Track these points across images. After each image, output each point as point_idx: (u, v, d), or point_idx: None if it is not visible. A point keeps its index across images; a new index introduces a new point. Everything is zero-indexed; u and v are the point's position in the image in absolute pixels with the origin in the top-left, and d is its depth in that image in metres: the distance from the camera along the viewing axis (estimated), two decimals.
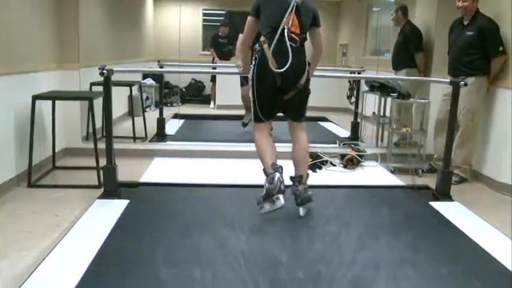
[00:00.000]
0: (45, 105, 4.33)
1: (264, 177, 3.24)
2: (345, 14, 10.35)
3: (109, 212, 3.38)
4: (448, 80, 4.04)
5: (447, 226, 3.39)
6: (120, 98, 6.13)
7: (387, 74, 6.30)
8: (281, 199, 3.08)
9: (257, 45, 3.30)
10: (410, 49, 5.37)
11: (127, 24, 7.84)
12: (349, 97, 7.22)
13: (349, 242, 3.05)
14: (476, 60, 4.38)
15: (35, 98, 3.96)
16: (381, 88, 5.21)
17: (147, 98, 8.34)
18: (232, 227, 3.19)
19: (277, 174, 3.11)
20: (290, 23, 3.19)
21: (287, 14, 3.17)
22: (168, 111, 7.22)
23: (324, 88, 8.45)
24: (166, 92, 9.03)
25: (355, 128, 6.30)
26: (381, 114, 5.55)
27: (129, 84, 5.56)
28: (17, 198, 3.70)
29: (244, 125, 6.37)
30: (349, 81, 7.37)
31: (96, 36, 5.99)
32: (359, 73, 6.13)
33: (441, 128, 4.63)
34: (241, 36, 3.55)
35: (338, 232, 3.20)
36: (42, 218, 3.29)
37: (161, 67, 6.04)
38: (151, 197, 3.85)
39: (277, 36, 3.16)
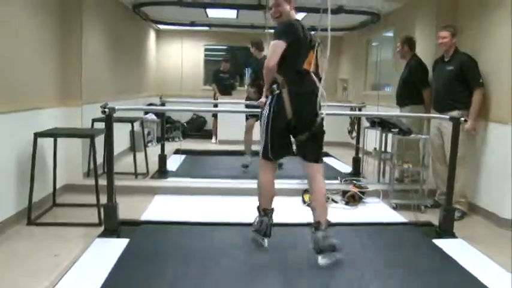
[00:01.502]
0: (47, 142, 4.34)
1: (256, 217, 3.54)
2: (345, 49, 10.47)
3: (109, 251, 3.34)
4: (448, 117, 4.07)
5: (451, 264, 3.35)
6: (121, 134, 6.14)
7: (388, 109, 6.34)
8: (265, 243, 3.47)
9: (275, 86, 3.26)
10: (416, 85, 5.29)
11: (129, 60, 7.93)
12: (350, 132, 7.23)
13: (352, 281, 3.01)
14: (458, 94, 4.56)
15: (37, 135, 3.98)
16: (382, 124, 5.22)
17: (149, 133, 8.38)
18: (234, 267, 3.15)
19: (266, 219, 3.44)
20: (312, 64, 3.26)
21: (311, 55, 3.27)
22: (169, 147, 7.23)
23: (325, 122, 8.57)
24: (168, 127, 9.06)
25: (356, 163, 6.28)
26: (383, 149, 5.55)
27: (131, 121, 5.57)
28: (15, 237, 3.67)
29: (245, 167, 6.32)
30: (350, 116, 7.39)
31: (99, 72, 6.05)
32: (360, 109, 6.15)
33: (435, 161, 4.83)
34: (266, 64, 3.21)
35: (341, 271, 3.15)
36: (41, 258, 3.25)
37: (163, 103, 6.08)
38: (152, 236, 3.80)
39: (300, 82, 3.24)
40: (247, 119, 6.37)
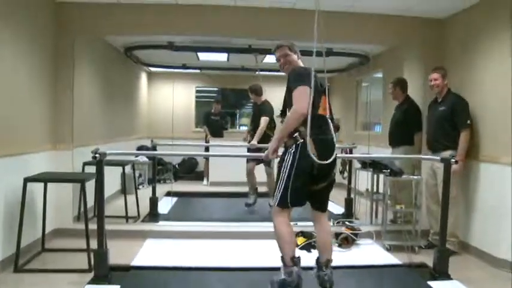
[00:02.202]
0: (37, 186, 4.29)
1: (281, 263, 3.24)
2: (335, 90, 10.61)
3: None
4: (439, 158, 4.10)
5: None
6: (112, 176, 6.10)
7: (378, 150, 6.38)
8: None
9: (297, 134, 3.19)
10: (409, 126, 5.33)
11: (121, 102, 7.98)
12: (342, 172, 7.24)
13: None
14: (449, 134, 4.63)
15: (27, 180, 3.94)
16: (373, 165, 5.23)
17: (140, 175, 8.33)
18: None
19: (296, 269, 3.17)
20: (327, 109, 3.27)
21: (324, 100, 3.28)
22: (161, 189, 7.18)
23: None
24: (159, 169, 9.03)
25: (349, 204, 6.26)
26: (375, 190, 5.55)
27: (122, 164, 5.56)
28: (1, 285, 3.57)
29: (248, 205, 6.29)
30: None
31: (90, 115, 6.07)
32: (351, 150, 6.18)
33: (430, 201, 4.82)
34: (297, 109, 3.12)
35: None
36: None
37: (154, 146, 6.08)
38: (144, 282, 3.74)
39: (321, 128, 3.19)
40: (247, 162, 6.40)
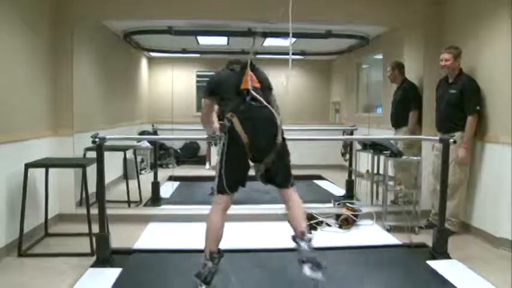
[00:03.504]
0: (38, 172, 4.33)
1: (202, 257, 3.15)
2: (335, 72, 10.59)
3: (101, 282, 3.31)
4: (438, 138, 4.10)
5: (445, 286, 3.34)
6: (114, 161, 6.13)
7: (380, 131, 6.39)
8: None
9: (225, 120, 3.21)
10: (410, 107, 5.35)
11: (121, 88, 7.98)
12: (343, 154, 7.25)
13: None
14: (460, 117, 4.53)
15: (28, 166, 3.97)
16: (373, 147, 5.24)
17: (142, 161, 8.37)
18: None
19: (210, 264, 3.07)
20: (249, 81, 3.20)
21: (246, 75, 3.23)
22: (163, 173, 7.21)
23: (318, 145, 8.61)
24: (161, 154, 9.06)
25: (350, 186, 6.29)
26: (375, 172, 5.57)
27: (123, 149, 5.58)
28: (6, 269, 3.63)
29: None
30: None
31: (91, 100, 6.08)
32: (351, 132, 6.18)
33: (436, 182, 4.74)
34: (201, 115, 3.58)
35: None
36: None
37: (155, 131, 6.10)
38: (145, 265, 3.77)
39: (245, 103, 3.15)
40: None
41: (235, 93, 3.23)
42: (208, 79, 3.62)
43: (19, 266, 3.70)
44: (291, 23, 3.12)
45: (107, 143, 3.73)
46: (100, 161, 3.66)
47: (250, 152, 3.17)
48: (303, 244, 3.14)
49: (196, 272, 3.10)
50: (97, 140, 3.58)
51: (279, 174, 3.29)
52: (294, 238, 3.24)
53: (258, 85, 3.27)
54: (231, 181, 3.18)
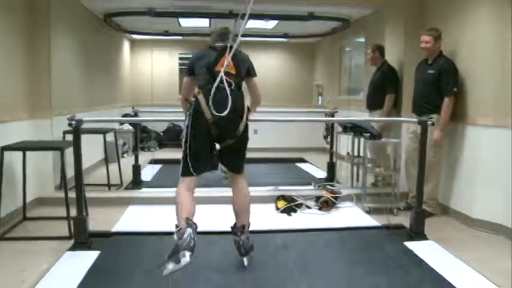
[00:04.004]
0: (15, 155, 4.27)
1: (175, 232, 2.93)
2: (319, 55, 10.57)
3: (78, 264, 3.31)
4: (416, 120, 4.13)
5: (421, 266, 3.39)
6: (95, 145, 6.08)
7: (362, 114, 6.41)
8: (187, 256, 2.72)
9: (191, 97, 3.25)
10: (386, 90, 5.35)
11: (103, 70, 7.88)
12: (325, 137, 7.29)
13: (322, 284, 3.03)
14: (437, 98, 4.55)
15: (4, 149, 3.92)
16: (353, 129, 5.27)
17: (124, 144, 8.32)
18: (209, 278, 3.15)
19: (189, 230, 2.85)
20: (225, 64, 3.17)
21: (223, 57, 3.20)
22: (145, 157, 7.18)
23: (300, 128, 8.65)
24: (143, 137, 9.02)
25: (331, 168, 6.32)
26: (355, 154, 5.60)
27: (103, 132, 5.52)
28: None
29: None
30: (326, 122, 7.44)
31: (70, 83, 6.00)
32: (332, 114, 6.20)
33: (409, 165, 4.76)
34: (180, 96, 3.55)
35: (311, 276, 3.18)
36: (7, 273, 3.20)
37: (136, 113, 6.05)
38: (123, 247, 3.78)
39: (214, 83, 3.11)
40: None
41: (208, 72, 3.22)
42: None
43: None
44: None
45: (86, 126, 3.69)
46: (77, 144, 3.62)
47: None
48: (243, 237, 3.32)
49: (172, 249, 2.79)
50: (73, 122, 3.54)
51: (232, 161, 3.38)
52: (233, 229, 3.38)
53: (233, 71, 3.24)
54: (197, 163, 3.18)
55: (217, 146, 3.28)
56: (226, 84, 3.10)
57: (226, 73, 3.17)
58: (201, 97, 3.16)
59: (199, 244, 2.88)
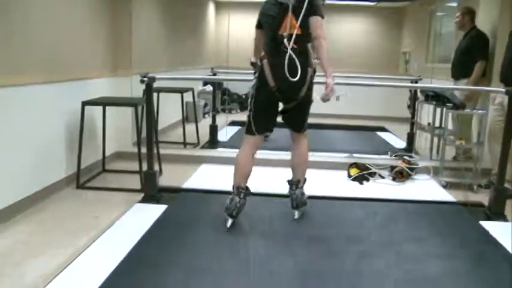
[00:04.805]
0: (96, 111, 4.49)
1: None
2: (407, 21, 10.05)
3: (146, 216, 3.45)
4: (504, 90, 3.79)
5: (496, 248, 3.15)
6: (175, 104, 6.24)
7: (446, 83, 6.03)
8: (228, 223, 3.26)
9: (258, 60, 3.30)
10: (474, 57, 4.94)
11: (186, 32, 8.00)
12: (409, 107, 6.97)
13: (381, 260, 2.94)
14: None
15: (84, 104, 4.12)
16: (436, 98, 4.96)
17: (206, 105, 8.47)
18: (269, 236, 3.20)
19: (237, 199, 3.23)
20: (288, 27, 3.07)
21: (287, 17, 3.09)
22: (226, 118, 7.24)
23: (383, 97, 8.35)
24: (225, 99, 9.13)
25: (410, 139, 6.06)
26: (437, 125, 5.29)
27: (180, 91, 5.62)
28: (63, 199, 3.87)
29: None
30: (410, 90, 7.10)
31: (151, 43, 6.15)
32: (416, 82, 5.88)
33: (493, 139, 4.42)
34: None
35: (374, 248, 3.09)
36: (82, 219, 3.42)
37: (214, 74, 6.13)
38: (191, 203, 3.88)
39: (278, 48, 3.08)
40: None
41: (272, 35, 3.18)
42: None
43: (75, 197, 3.94)
44: None
45: (164, 85, 3.74)
46: (149, 100, 3.72)
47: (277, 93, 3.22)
48: (297, 192, 3.46)
49: (225, 206, 3.27)
50: (145, 79, 3.63)
51: (295, 120, 3.42)
52: (289, 182, 3.52)
53: (298, 31, 3.08)
54: (259, 123, 3.27)
55: (281, 106, 3.34)
56: (290, 51, 3.03)
57: (290, 36, 3.06)
58: (265, 62, 3.19)
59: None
